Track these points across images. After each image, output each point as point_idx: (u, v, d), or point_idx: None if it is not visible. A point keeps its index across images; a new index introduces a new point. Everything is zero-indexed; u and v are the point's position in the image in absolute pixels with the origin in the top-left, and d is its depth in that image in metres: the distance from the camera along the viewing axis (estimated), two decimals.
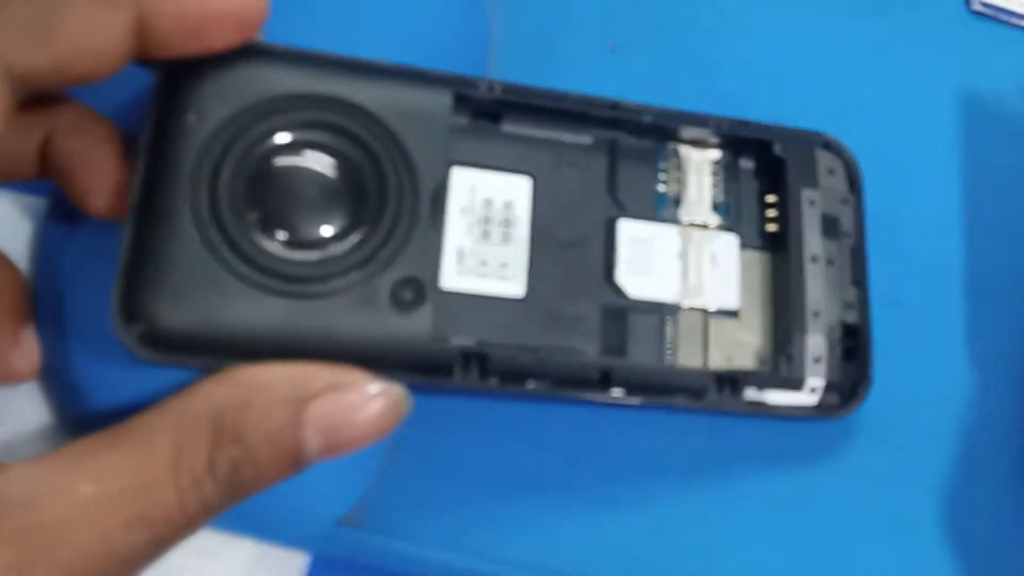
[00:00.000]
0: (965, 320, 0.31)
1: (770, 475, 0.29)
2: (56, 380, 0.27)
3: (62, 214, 0.28)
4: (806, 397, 0.27)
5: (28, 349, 0.26)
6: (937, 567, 0.28)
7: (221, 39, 0.23)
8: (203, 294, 0.23)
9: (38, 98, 0.24)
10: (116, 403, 0.25)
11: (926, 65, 0.34)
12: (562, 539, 0.27)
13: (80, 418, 0.26)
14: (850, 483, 0.29)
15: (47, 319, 0.27)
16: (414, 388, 0.24)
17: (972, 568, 0.28)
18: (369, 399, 0.22)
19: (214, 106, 0.24)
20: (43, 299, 0.27)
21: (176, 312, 0.23)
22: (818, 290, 0.27)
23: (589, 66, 0.31)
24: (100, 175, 0.25)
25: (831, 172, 0.28)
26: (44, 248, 0.28)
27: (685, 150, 0.28)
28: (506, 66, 0.29)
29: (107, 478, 0.20)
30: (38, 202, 0.29)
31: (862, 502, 0.29)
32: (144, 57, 0.23)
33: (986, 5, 0.34)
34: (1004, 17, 0.34)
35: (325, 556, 0.27)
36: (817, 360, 0.27)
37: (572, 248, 0.27)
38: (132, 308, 0.23)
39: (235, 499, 0.22)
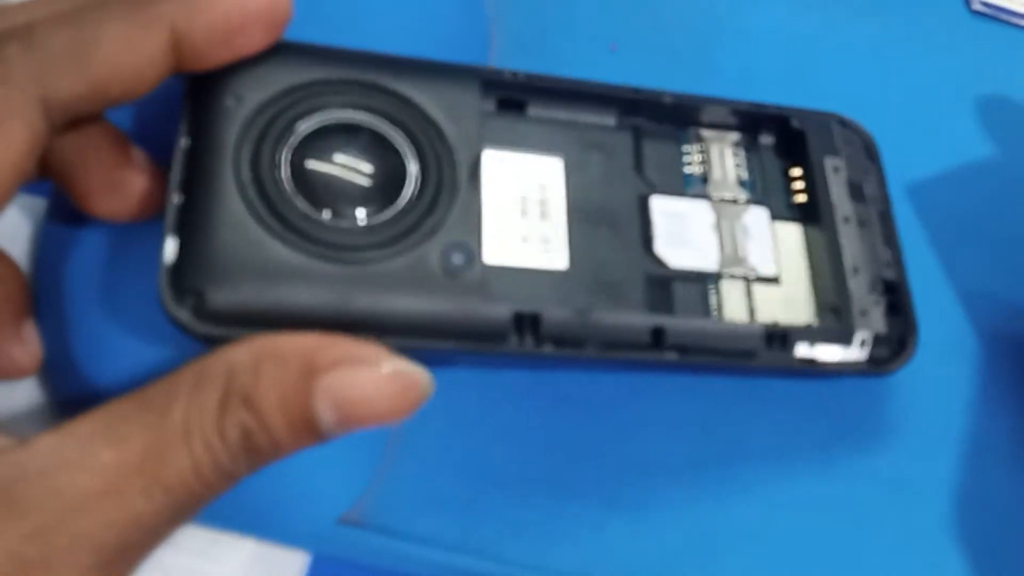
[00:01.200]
0: (965, 318, 0.31)
1: (776, 475, 0.29)
2: (58, 379, 0.27)
3: (63, 212, 0.28)
4: (857, 351, 0.27)
5: (30, 344, 0.26)
6: (948, 567, 0.28)
7: (252, 43, 0.24)
8: (253, 266, 0.23)
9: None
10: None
11: (926, 65, 0.34)
12: (564, 539, 0.27)
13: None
14: (857, 483, 0.29)
15: (49, 316, 0.27)
16: (466, 357, 0.24)
17: (984, 568, 0.28)
18: (383, 377, 0.22)
19: (251, 91, 0.24)
20: (45, 296, 0.27)
21: (227, 286, 0.23)
22: (855, 248, 0.28)
23: (589, 66, 0.31)
24: (100, 175, 0.25)
25: (849, 145, 0.29)
26: (45, 246, 0.28)
27: (706, 132, 0.29)
28: (506, 66, 0.29)
29: (127, 443, 0.20)
30: (38, 201, 0.29)
31: (869, 502, 0.29)
32: (181, 71, 0.23)
33: (986, 5, 0.34)
34: (1004, 17, 0.34)
35: (325, 555, 0.27)
36: (864, 313, 0.27)
37: (609, 224, 0.27)
38: (182, 284, 0.23)
39: (254, 465, 0.22)
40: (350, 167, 0.25)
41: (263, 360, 0.21)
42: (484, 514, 0.27)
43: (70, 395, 0.27)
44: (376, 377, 0.22)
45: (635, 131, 0.28)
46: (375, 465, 0.27)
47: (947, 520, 0.29)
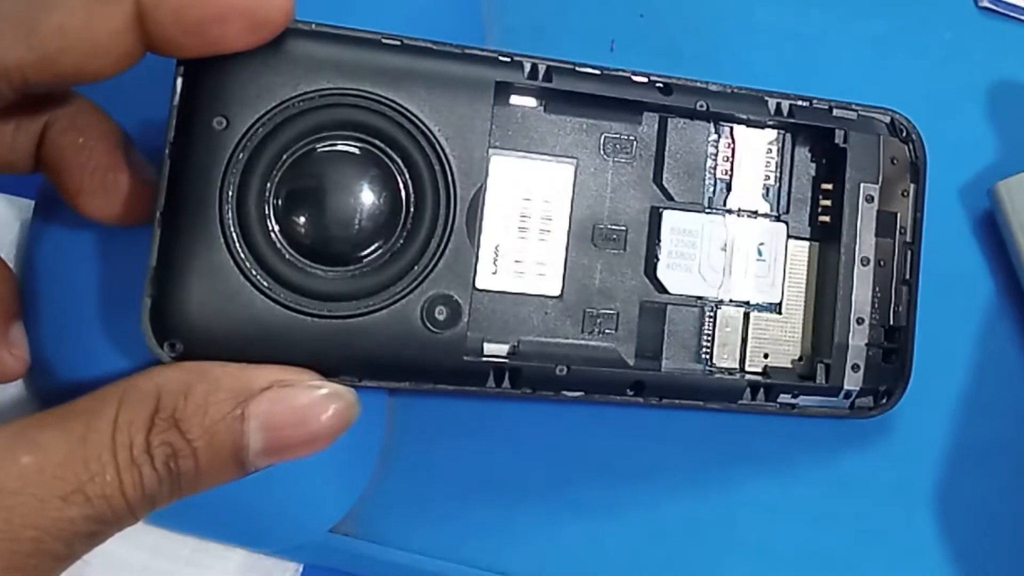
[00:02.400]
0: (972, 326, 0.30)
1: (773, 482, 0.29)
2: (44, 381, 0.27)
3: (51, 215, 0.27)
4: (840, 401, 0.27)
5: (17, 347, 0.26)
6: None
7: (232, 39, 0.22)
8: (232, 313, 0.23)
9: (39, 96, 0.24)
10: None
11: (933, 62, 0.33)
12: (557, 547, 0.28)
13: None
14: (854, 492, 0.29)
15: (36, 318, 0.27)
16: (446, 394, 0.24)
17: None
18: (317, 400, 0.22)
19: (240, 110, 0.23)
20: (32, 299, 0.27)
21: (207, 330, 0.23)
22: (864, 294, 0.27)
23: None
24: (92, 174, 0.25)
25: (894, 162, 0.27)
26: (33, 249, 0.27)
27: (739, 130, 0.27)
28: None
29: (48, 450, 0.20)
30: (25, 203, 0.28)
31: (865, 511, 0.29)
32: (155, 52, 0.22)
33: (994, 1, 0.34)
34: (1012, 13, 0.34)
35: (317, 565, 0.27)
36: (855, 368, 0.27)
37: (613, 241, 0.26)
38: (164, 326, 0.23)
39: (176, 491, 0.21)
40: (339, 206, 0.24)
41: (194, 382, 0.21)
42: (478, 522, 0.28)
43: (54, 395, 0.27)
44: (311, 400, 0.22)
45: (661, 126, 0.27)
46: (366, 476, 0.27)
47: (944, 531, 0.29)
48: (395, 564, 0.27)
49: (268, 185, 0.23)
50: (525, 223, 0.26)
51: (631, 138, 0.27)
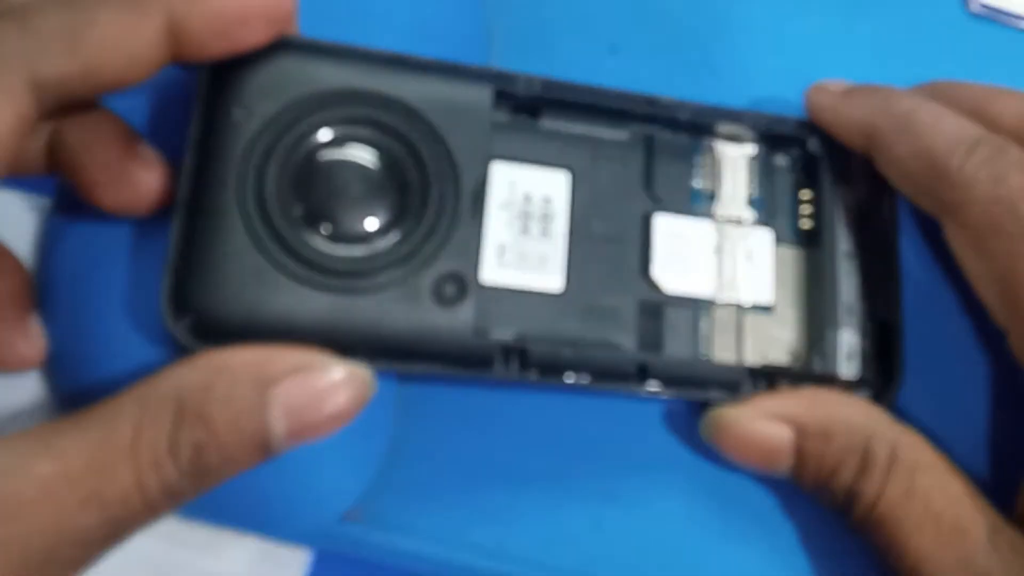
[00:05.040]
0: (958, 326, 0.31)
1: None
2: (61, 373, 0.27)
3: (67, 209, 0.28)
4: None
5: (34, 337, 0.27)
6: None
7: (253, 36, 0.24)
8: (250, 288, 0.24)
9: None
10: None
11: (924, 67, 0.33)
12: (565, 535, 0.28)
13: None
14: None
15: (52, 311, 0.27)
16: (453, 379, 0.25)
17: None
18: (335, 382, 0.22)
19: (260, 102, 0.25)
20: (49, 291, 0.27)
21: (224, 305, 0.24)
22: (851, 286, 0.28)
23: (589, 66, 0.31)
24: (106, 166, 0.25)
25: (866, 167, 0.28)
26: (49, 242, 0.28)
27: (720, 145, 0.29)
28: (506, 67, 0.29)
29: (66, 457, 0.20)
30: (44, 200, 0.29)
31: None
32: (180, 61, 0.23)
33: (984, 6, 0.34)
34: (1003, 18, 0.34)
35: (328, 552, 0.27)
36: (850, 356, 0.27)
37: (609, 243, 0.27)
38: (182, 301, 0.24)
39: (202, 485, 0.22)
40: (353, 190, 0.25)
41: (214, 376, 0.22)
42: (487, 510, 0.28)
43: (73, 389, 0.27)
44: (330, 382, 0.22)
45: (648, 143, 0.28)
46: (378, 461, 0.28)
47: None
48: (405, 550, 0.27)
49: (286, 166, 0.25)
50: (527, 222, 0.27)
51: (621, 149, 0.28)
